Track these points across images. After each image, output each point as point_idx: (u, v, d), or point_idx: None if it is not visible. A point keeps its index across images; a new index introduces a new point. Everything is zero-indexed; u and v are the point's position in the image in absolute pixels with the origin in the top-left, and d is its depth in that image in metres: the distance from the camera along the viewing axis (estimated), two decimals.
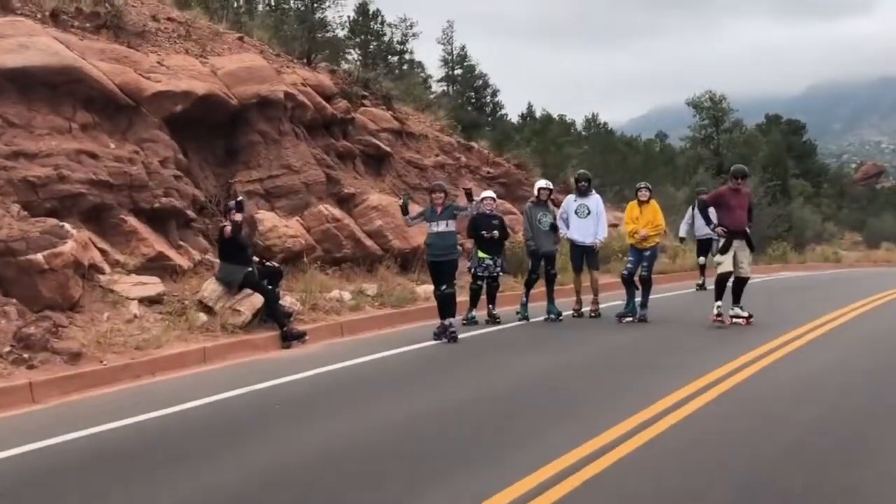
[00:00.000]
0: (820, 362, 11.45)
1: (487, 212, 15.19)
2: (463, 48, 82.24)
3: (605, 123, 57.86)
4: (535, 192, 15.69)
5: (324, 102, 19.88)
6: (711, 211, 14.58)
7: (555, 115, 73.85)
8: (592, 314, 15.78)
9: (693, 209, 20.70)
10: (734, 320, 14.21)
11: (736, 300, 14.32)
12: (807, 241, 43.92)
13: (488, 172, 26.73)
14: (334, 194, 18.61)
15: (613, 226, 24.68)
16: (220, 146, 17.62)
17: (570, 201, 15.89)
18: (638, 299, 15.20)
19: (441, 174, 24.02)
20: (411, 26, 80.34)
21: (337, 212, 17.71)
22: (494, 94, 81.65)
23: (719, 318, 14.11)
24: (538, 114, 66.60)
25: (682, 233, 21.52)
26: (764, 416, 8.60)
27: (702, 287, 21.00)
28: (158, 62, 16.61)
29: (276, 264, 14.32)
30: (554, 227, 15.53)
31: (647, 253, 15.10)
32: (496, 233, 15.04)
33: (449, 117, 30.02)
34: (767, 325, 14.12)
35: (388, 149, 22.10)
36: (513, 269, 21.04)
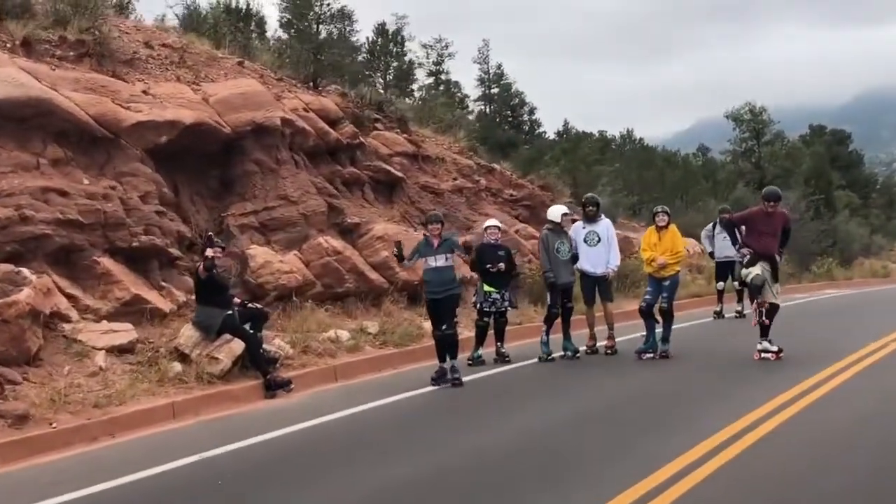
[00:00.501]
0: (860, 408, 10.12)
1: (493, 242, 14.01)
2: (499, 66, 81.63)
3: (642, 139, 56.41)
4: (559, 219, 14.35)
5: (327, 128, 18.83)
6: (739, 230, 13.39)
7: (593, 132, 72.72)
8: (608, 351, 14.51)
9: (714, 226, 19.41)
10: (762, 355, 12.89)
11: (764, 333, 13.01)
12: (854, 255, 42.16)
13: (511, 195, 25.58)
14: (337, 224, 17.52)
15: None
16: (214, 177, 16.61)
17: (579, 229, 14.64)
18: (660, 331, 13.92)
19: (459, 198, 22.94)
20: (446, 46, 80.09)
21: (338, 244, 16.61)
22: (532, 111, 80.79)
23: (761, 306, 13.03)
24: (574, 131, 65.54)
25: (708, 247, 20.03)
26: (801, 472, 7.36)
27: (719, 315, 19.52)
28: (144, 91, 15.65)
29: (259, 306, 13.24)
30: (574, 257, 14.27)
31: (667, 283, 13.83)
32: (502, 265, 13.87)
33: (471, 138, 28.94)
34: (806, 359, 12.79)
35: (399, 174, 21.01)
36: (532, 299, 19.89)
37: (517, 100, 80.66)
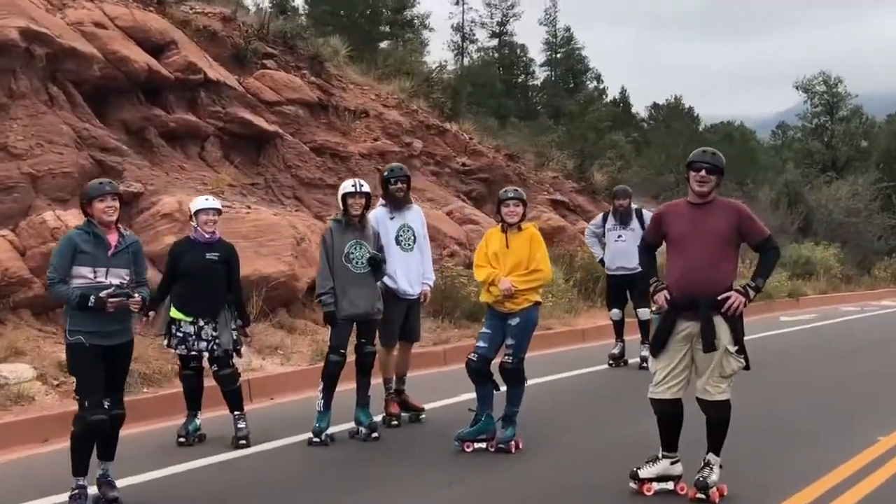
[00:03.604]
0: None
1: (206, 238, 8.19)
2: (568, 29, 75.85)
3: (690, 109, 49.57)
4: (340, 203, 8.44)
5: (135, 55, 13.18)
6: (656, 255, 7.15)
7: (658, 102, 66.13)
8: (392, 420, 8.82)
9: (605, 219, 12.60)
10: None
11: (711, 446, 6.52)
12: None
13: (463, 165, 19.70)
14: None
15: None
16: None
17: (384, 219, 8.74)
18: (500, 394, 7.97)
19: (371, 164, 17.20)
20: (512, 6, 74.34)
21: (77, 222, 10.88)
22: (598, 78, 75.13)
23: (673, 486, 6.61)
24: (635, 101, 59.46)
25: (596, 252, 12.90)
26: None
27: (618, 360, 12.37)
28: None
29: None
30: (376, 267, 8.33)
31: (515, 321, 7.81)
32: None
33: (438, 92, 23.00)
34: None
35: (271, 128, 15.33)
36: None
37: (580, 66, 75.11)
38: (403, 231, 8.70)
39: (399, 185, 8.72)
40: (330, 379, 8.22)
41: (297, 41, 18.29)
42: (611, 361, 12.28)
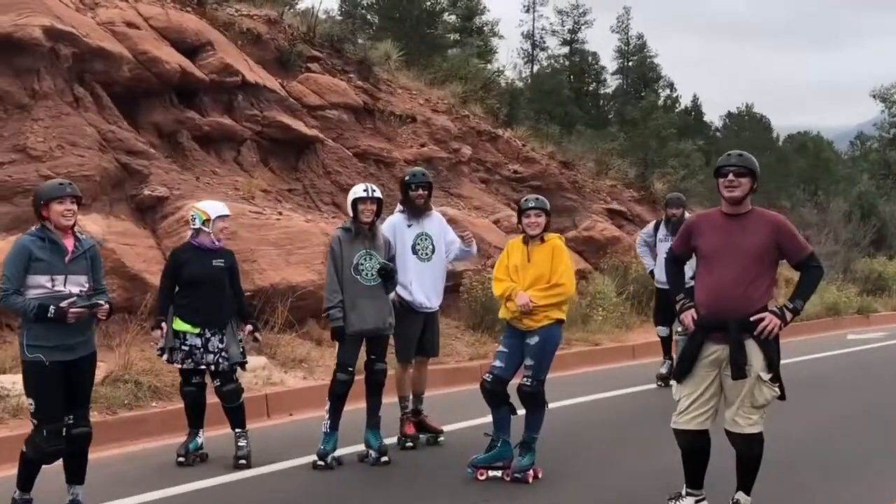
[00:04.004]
0: None
1: (215, 244, 7.70)
2: (640, 37, 74.92)
3: (763, 117, 48.19)
4: (350, 210, 7.86)
5: (167, 56, 12.78)
6: (689, 269, 6.56)
7: (735, 111, 64.86)
8: (407, 441, 8.21)
9: (657, 228, 11.81)
10: None
11: (741, 484, 5.88)
12: None
13: (515, 172, 19.06)
14: (132, 197, 11.51)
15: None
16: None
17: (401, 226, 8.17)
18: (518, 420, 7.32)
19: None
20: (584, 14, 73.62)
21: (96, 227, 10.51)
22: (671, 87, 74.08)
23: None
24: (708, 109, 58.24)
25: (647, 263, 12.12)
26: None
27: (667, 380, 10.97)
28: None
29: None
30: (387, 276, 7.76)
31: (534, 340, 7.17)
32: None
33: (494, 98, 22.44)
34: None
35: (311, 132, 14.87)
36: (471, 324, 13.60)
37: (652, 74, 73.99)
38: (421, 240, 8.14)
39: (420, 191, 8.18)
40: (336, 399, 7.67)
41: (344, 45, 17.83)
42: (659, 382, 11.50)
